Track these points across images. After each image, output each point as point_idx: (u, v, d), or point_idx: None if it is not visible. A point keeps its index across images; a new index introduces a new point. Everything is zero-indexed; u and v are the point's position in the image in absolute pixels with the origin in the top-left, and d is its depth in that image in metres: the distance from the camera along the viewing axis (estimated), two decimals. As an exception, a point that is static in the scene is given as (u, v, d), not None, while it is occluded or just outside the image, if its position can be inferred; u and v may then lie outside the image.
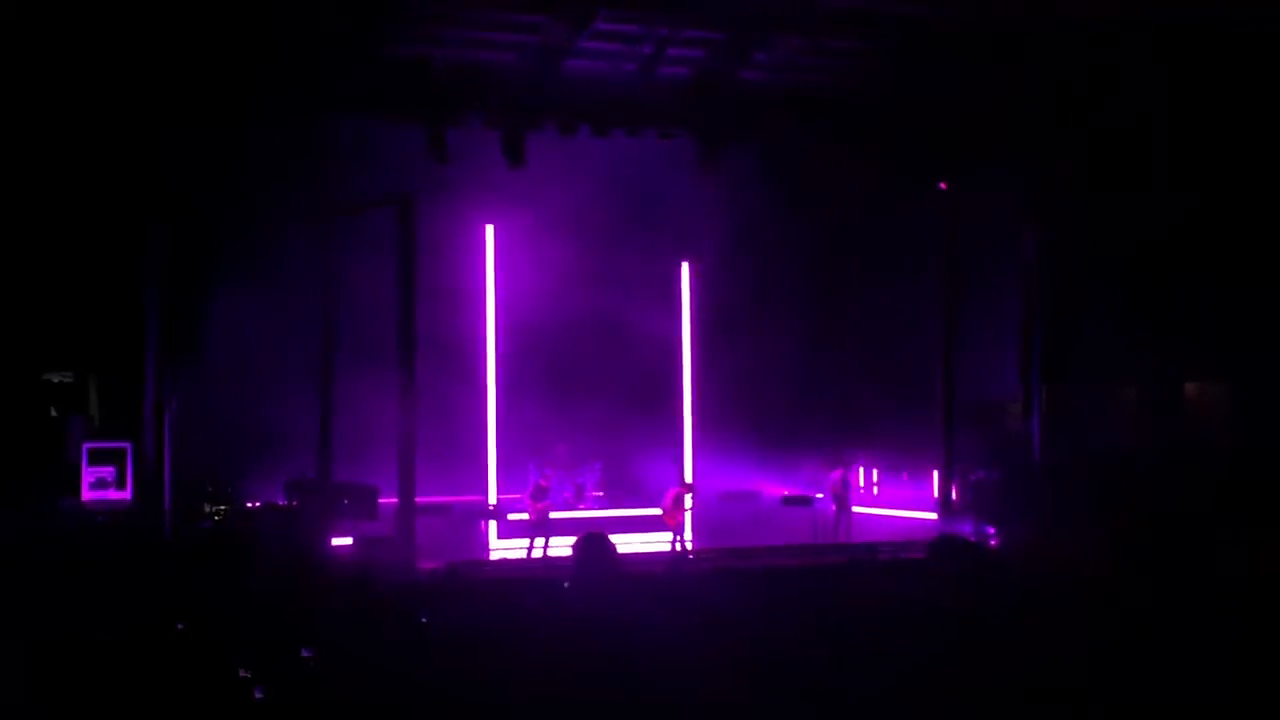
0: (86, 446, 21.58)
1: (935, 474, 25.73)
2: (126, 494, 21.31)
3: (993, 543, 22.14)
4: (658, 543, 23.24)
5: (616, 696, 5.96)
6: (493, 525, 23.78)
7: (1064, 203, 24.20)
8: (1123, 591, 6.35)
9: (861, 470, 27.69)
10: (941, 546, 6.13)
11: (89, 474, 21.28)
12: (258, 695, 7.54)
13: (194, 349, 20.26)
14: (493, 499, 24.63)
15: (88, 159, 20.55)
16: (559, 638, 6.39)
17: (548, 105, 22.09)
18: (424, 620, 10.84)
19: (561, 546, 21.56)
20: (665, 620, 7.02)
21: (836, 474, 24.89)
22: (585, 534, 6.88)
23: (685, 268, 26.27)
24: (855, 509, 25.13)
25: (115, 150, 20.29)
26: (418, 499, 21.64)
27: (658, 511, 23.57)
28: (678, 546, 22.93)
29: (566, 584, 7.80)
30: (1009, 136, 24.03)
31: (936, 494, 25.20)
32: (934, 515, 25.09)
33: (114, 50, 19.54)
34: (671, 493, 23.41)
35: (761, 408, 26.31)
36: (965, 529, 22.66)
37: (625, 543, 22.79)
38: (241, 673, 7.57)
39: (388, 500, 21.43)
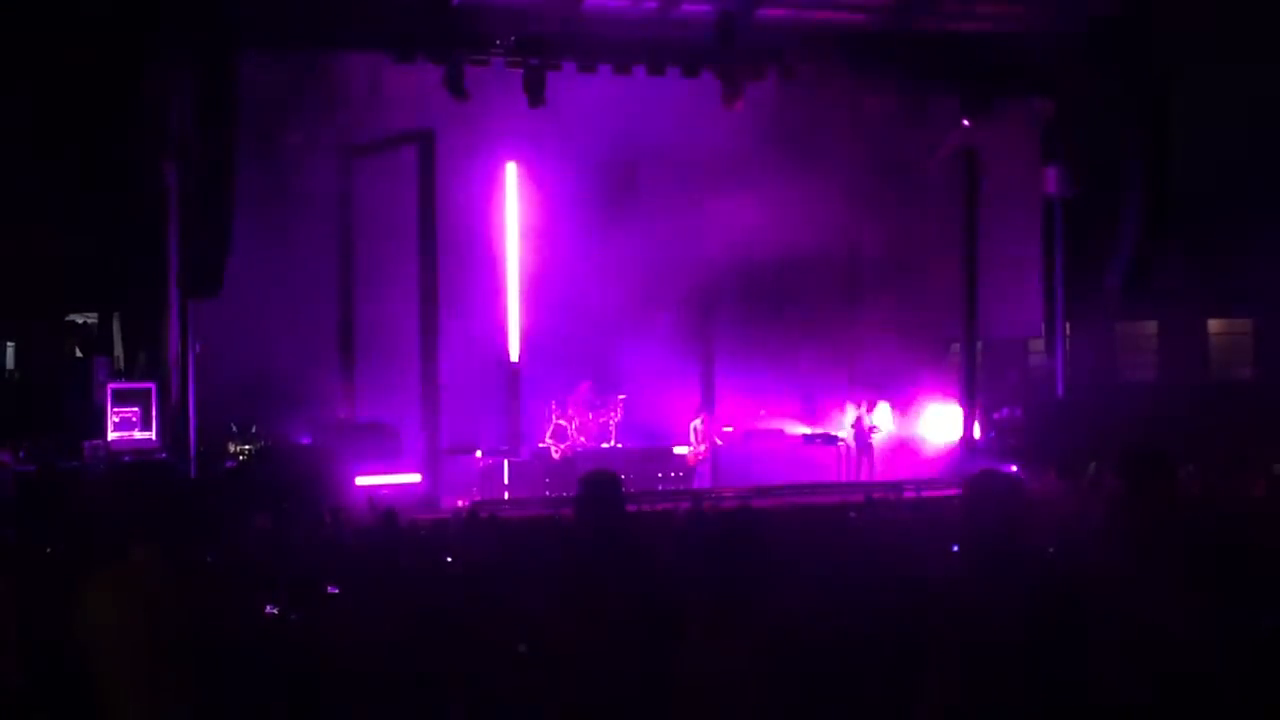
0: (111, 387, 21.63)
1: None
2: (151, 434, 21.38)
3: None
4: (679, 480, 23.41)
5: (634, 633, 5.98)
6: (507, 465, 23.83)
7: (1087, 138, 24.07)
8: (1139, 527, 6.32)
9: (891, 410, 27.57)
10: (980, 482, 6.07)
11: (114, 414, 21.35)
12: (283, 629, 7.60)
13: (215, 288, 20.25)
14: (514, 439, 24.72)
15: (107, 94, 20.54)
16: (573, 576, 6.39)
17: (567, 44, 21.97)
18: (448, 559, 10.92)
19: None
20: (681, 559, 7.04)
21: (859, 412, 24.90)
22: (586, 473, 6.79)
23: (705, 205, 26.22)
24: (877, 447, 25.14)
25: (135, 85, 20.27)
26: (442, 439, 21.73)
27: (684, 450, 23.76)
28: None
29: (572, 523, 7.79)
30: (1033, 73, 23.89)
31: (960, 432, 25.13)
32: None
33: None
34: (693, 428, 23.59)
35: (784, 345, 26.24)
36: (985, 466, 22.60)
37: (645, 480, 23.12)
38: (269, 608, 7.63)
39: (411, 440, 21.50)
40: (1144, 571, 6.10)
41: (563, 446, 23.49)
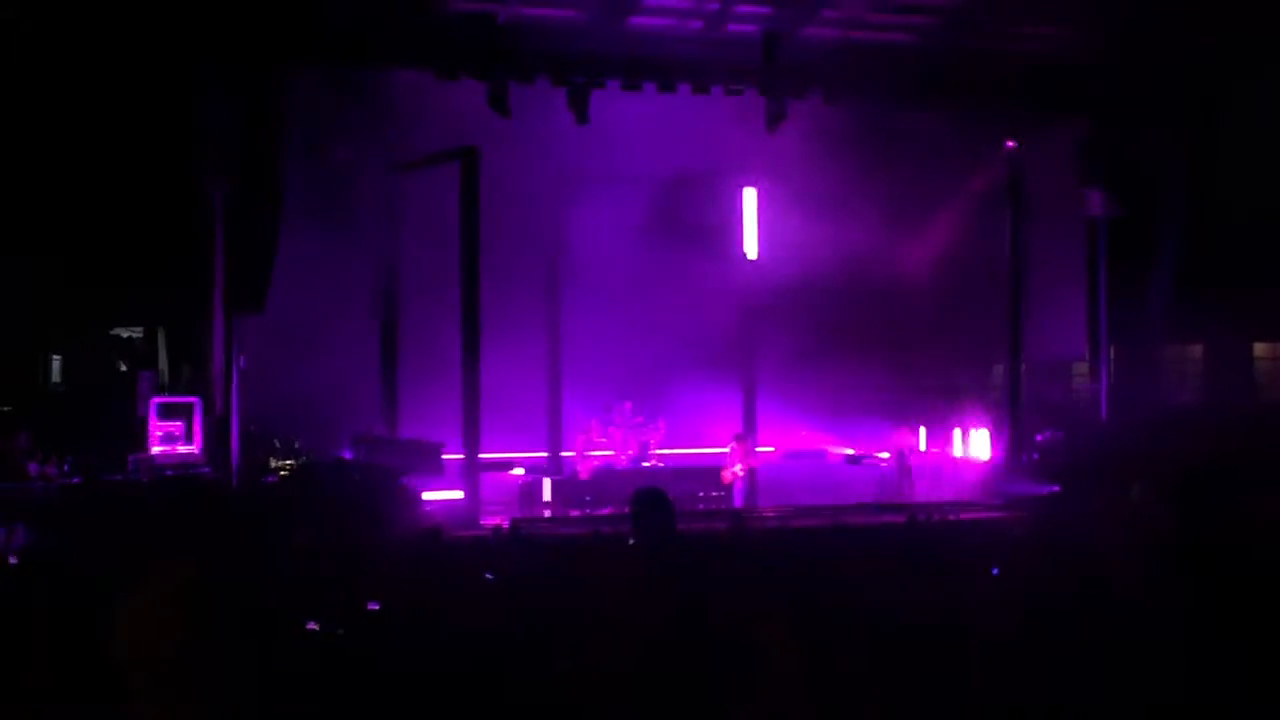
0: (155, 401, 21.77)
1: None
2: (195, 449, 21.50)
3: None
4: (718, 500, 23.36)
5: (681, 651, 5.97)
6: (547, 482, 23.90)
7: (1130, 159, 23.96)
8: (1187, 549, 6.27)
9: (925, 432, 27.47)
10: (1053, 504, 6.04)
11: (157, 428, 21.48)
12: (323, 645, 7.61)
13: (260, 304, 20.38)
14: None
15: (153, 108, 20.66)
16: (622, 595, 6.38)
17: (612, 62, 22.00)
18: (489, 576, 10.91)
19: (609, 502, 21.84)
20: (728, 578, 7.01)
21: (900, 433, 24.80)
22: (639, 490, 6.80)
23: (752, 226, 26.24)
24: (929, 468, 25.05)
25: (182, 99, 20.39)
26: (482, 455, 21.76)
27: (720, 463, 23.79)
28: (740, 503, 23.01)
29: (630, 541, 7.79)
30: (1077, 93, 23.82)
31: (1003, 454, 25.00)
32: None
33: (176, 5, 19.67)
34: (732, 447, 23.57)
35: (826, 365, 26.21)
36: (1031, 489, 22.51)
37: (685, 499, 23.07)
38: (309, 624, 7.64)
39: (452, 456, 21.53)
40: (1189, 600, 6.04)
41: (589, 463, 23.60)
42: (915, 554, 13.02)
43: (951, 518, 18.87)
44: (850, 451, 25.53)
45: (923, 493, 24.24)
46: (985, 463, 25.10)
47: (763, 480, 24.37)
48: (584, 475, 23.61)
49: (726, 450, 23.89)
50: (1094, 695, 5.64)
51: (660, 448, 25.30)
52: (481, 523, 20.23)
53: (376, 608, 8.55)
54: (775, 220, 26.14)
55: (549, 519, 22.42)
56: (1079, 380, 26.67)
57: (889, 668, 5.85)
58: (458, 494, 21.16)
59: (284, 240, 20.42)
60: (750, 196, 26.23)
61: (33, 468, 19.79)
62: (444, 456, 21.25)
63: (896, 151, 25.50)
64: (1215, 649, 5.87)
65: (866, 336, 26.63)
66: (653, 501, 6.63)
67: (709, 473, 23.99)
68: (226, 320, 20.64)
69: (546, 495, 23.61)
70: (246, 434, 20.88)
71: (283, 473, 21.73)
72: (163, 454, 21.20)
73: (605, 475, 23.70)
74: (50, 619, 6.90)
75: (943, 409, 26.41)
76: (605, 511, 22.18)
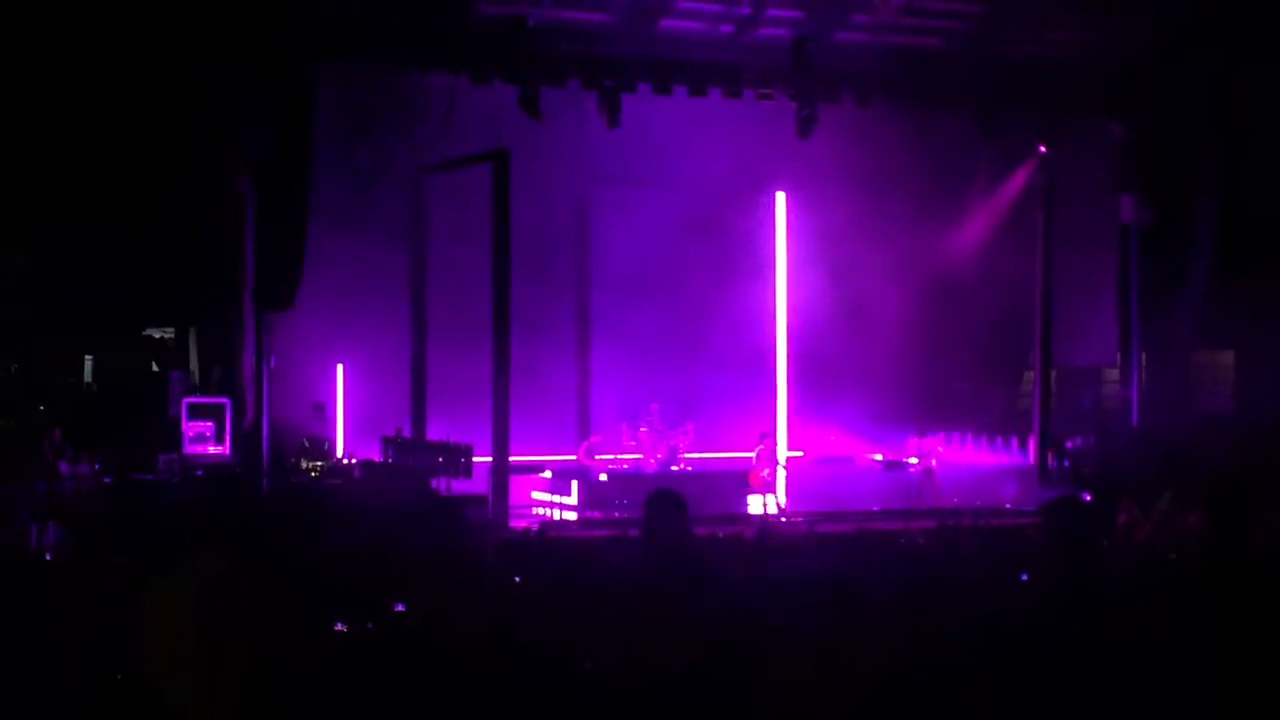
0: (186, 402, 21.87)
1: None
2: (225, 449, 21.58)
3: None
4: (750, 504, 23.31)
5: (704, 657, 5.96)
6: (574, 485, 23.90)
7: (1162, 164, 23.88)
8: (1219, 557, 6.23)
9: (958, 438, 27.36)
10: (1057, 509, 5.99)
11: (189, 429, 21.57)
12: (350, 646, 7.63)
13: (289, 302, 20.42)
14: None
15: (183, 108, 20.75)
16: (645, 597, 6.38)
17: (643, 66, 21.99)
18: (517, 579, 10.91)
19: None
20: (751, 582, 6.99)
21: (928, 439, 24.74)
22: (652, 493, 6.75)
23: (782, 230, 26.23)
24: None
25: (212, 100, 20.48)
26: (511, 458, 21.76)
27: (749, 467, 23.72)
28: (769, 508, 22.94)
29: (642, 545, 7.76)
30: (1107, 97, 23.75)
31: (1033, 460, 24.91)
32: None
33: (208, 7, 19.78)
34: (758, 450, 23.52)
35: (856, 372, 26.12)
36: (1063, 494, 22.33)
37: (713, 503, 23.01)
38: (337, 625, 7.66)
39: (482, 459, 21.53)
40: (1217, 609, 6.00)
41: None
42: (945, 561, 12.99)
43: (982, 524, 18.82)
44: (879, 457, 25.47)
45: (951, 499, 24.14)
46: (1016, 469, 25.00)
47: (792, 485, 24.29)
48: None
49: (754, 455, 23.84)
50: (1122, 702, 5.62)
51: (689, 451, 25.23)
52: (510, 525, 20.24)
53: (403, 609, 8.57)
54: (806, 224, 26.07)
55: (576, 521, 22.37)
56: (1110, 386, 26.56)
57: (915, 673, 5.84)
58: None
59: (314, 241, 20.47)
60: (781, 201, 26.16)
61: (64, 467, 19.90)
62: (473, 459, 21.22)
63: (929, 158, 25.43)
64: (1245, 658, 5.83)
65: (899, 341, 26.50)
66: (665, 504, 6.59)
67: (738, 477, 23.93)
68: (257, 321, 20.71)
69: (574, 498, 23.56)
70: (276, 434, 20.93)
71: (312, 474, 21.79)
72: (193, 454, 21.29)
73: (631, 478, 23.62)
74: (82, 615, 6.95)
75: (974, 415, 26.32)
76: (633, 515, 22.10)
